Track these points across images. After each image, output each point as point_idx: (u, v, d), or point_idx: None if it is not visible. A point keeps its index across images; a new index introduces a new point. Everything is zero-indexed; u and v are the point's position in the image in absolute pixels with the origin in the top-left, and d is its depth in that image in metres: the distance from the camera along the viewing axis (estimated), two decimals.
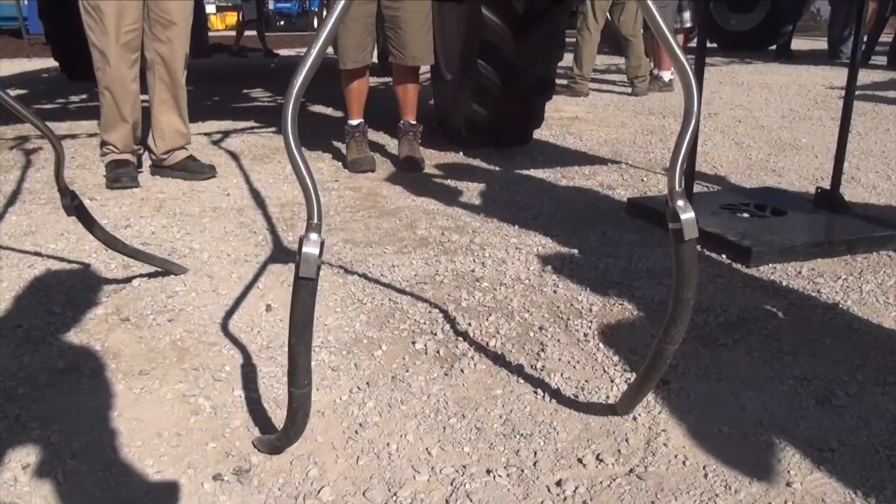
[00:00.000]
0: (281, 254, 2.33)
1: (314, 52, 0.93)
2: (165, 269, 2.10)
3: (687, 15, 6.81)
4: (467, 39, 3.61)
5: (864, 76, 6.89)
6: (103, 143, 3.22)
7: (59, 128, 4.71)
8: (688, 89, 1.01)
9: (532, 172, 3.44)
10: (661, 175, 3.39)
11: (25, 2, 14.62)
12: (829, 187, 2.62)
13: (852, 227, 2.41)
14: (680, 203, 1.05)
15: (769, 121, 4.87)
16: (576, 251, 2.35)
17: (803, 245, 2.25)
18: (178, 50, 3.16)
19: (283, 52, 11.76)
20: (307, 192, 0.98)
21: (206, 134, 4.39)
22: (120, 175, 3.13)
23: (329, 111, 5.40)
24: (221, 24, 20.38)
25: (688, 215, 1.05)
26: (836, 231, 2.43)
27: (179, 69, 3.19)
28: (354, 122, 3.54)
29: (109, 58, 3.01)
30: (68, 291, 2.02)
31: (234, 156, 3.83)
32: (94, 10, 2.96)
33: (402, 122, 3.55)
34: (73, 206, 1.75)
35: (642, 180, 3.31)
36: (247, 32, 12.37)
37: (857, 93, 6.04)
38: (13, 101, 1.58)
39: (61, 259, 2.28)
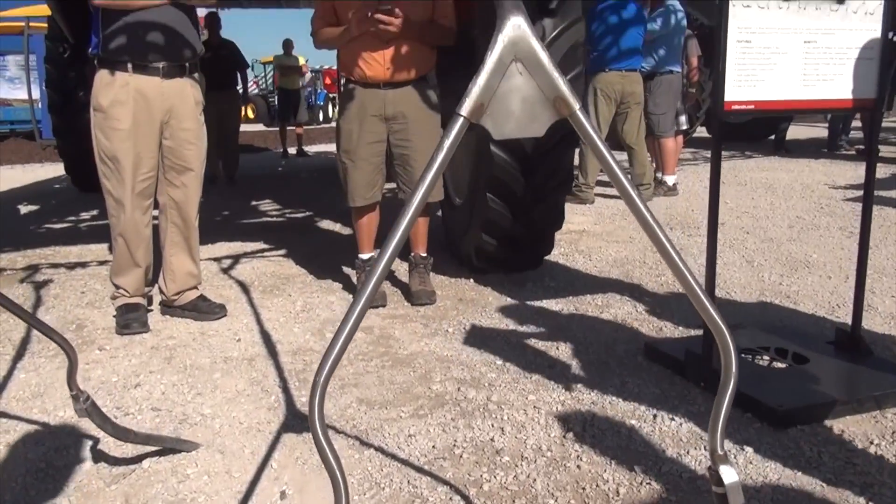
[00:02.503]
0: (294, 420, 2.28)
1: (342, 336, 0.91)
2: (177, 448, 2.04)
3: (683, 118, 6.96)
4: (476, 169, 3.65)
5: (858, 171, 6.96)
6: (115, 286, 3.22)
7: (70, 253, 4.74)
8: (725, 351, 0.98)
9: (544, 304, 3.41)
10: (675, 306, 3.36)
11: (39, 105, 15.03)
12: (848, 321, 2.58)
13: (879, 379, 2.35)
14: (723, 468, 1.01)
15: (777, 232, 4.87)
16: (596, 410, 2.29)
17: (831, 403, 2.19)
18: (193, 195, 3.19)
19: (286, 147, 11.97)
20: (335, 481, 0.94)
21: (215, 259, 4.40)
22: (130, 321, 3.11)
23: (338, 227, 5.44)
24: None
25: (732, 480, 1.00)
26: (863, 384, 2.37)
27: (193, 213, 3.22)
28: (365, 256, 3.54)
29: (125, 206, 3.04)
30: (75, 475, 1.96)
31: (244, 287, 3.82)
32: (111, 159, 3.01)
33: (412, 254, 3.56)
34: (85, 408, 1.72)
35: (657, 312, 3.27)
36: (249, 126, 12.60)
37: (855, 194, 6.09)
38: (20, 308, 1.57)
39: (69, 431, 2.22)
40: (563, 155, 3.49)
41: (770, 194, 6.42)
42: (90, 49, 3.03)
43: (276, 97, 12.39)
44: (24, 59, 13.41)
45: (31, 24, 11.16)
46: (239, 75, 8.45)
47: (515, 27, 0.91)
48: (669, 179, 6.54)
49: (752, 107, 2.34)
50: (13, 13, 13.29)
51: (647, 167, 6.27)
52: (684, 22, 6.43)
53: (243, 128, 18.74)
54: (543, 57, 0.93)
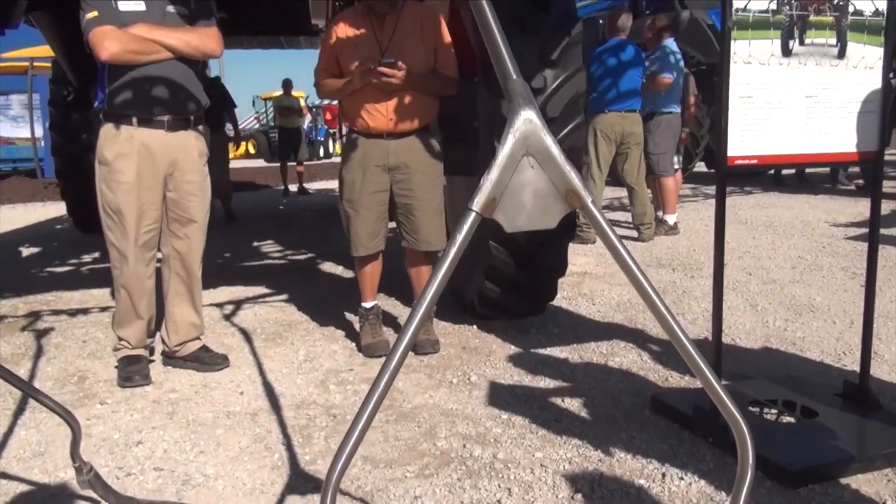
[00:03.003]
0: (298, 481, 2.24)
1: (360, 423, 0.90)
2: None
3: (678, 157, 6.98)
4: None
5: (857, 207, 6.96)
6: (117, 337, 3.20)
7: (72, 298, 4.73)
8: (742, 446, 0.97)
9: (549, 352, 3.39)
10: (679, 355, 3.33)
11: (42, 144, 15.12)
12: (855, 369, 2.56)
13: (890, 436, 2.33)
14: None
15: (780, 273, 4.87)
16: (604, 469, 2.26)
17: (841, 461, 2.17)
18: (196, 246, 3.19)
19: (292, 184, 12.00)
20: None
21: (217, 305, 4.38)
22: (132, 374, 3.09)
23: (339, 270, 5.44)
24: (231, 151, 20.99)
25: None
26: (874, 441, 2.35)
27: (196, 264, 3.21)
28: (368, 304, 3.53)
29: (128, 259, 3.04)
30: None
31: (246, 335, 3.80)
32: (115, 212, 3.01)
33: (415, 302, 3.54)
34: (88, 479, 1.70)
35: (662, 360, 3.25)
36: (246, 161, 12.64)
37: (856, 232, 6.10)
38: (21, 380, 1.56)
39: (70, 494, 2.19)
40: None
41: (771, 232, 6.43)
42: (96, 103, 3.06)
43: (277, 135, 12.45)
44: (28, 98, 13.60)
45: (34, 64, 11.31)
46: (227, 115, 8.46)
47: (527, 121, 0.92)
48: (670, 219, 6.56)
49: (755, 161, 2.35)
50: (17, 54, 13.44)
51: (647, 207, 6.29)
52: (682, 63, 6.49)
53: (244, 164, 18.85)
54: (555, 151, 0.93)
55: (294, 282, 5.03)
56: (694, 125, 9.96)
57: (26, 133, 15.07)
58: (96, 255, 6.27)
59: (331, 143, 24.55)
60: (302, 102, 11.95)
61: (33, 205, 11.60)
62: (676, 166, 7.04)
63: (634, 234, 6.37)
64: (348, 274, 5.15)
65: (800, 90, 2.35)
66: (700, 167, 11.08)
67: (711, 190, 9.98)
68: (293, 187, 11.85)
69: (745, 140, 2.31)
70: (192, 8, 3.07)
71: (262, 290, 4.83)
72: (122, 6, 2.92)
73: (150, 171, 3.01)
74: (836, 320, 3.78)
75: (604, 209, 7.85)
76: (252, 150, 24.61)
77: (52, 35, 6.27)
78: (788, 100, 2.34)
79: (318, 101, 24.31)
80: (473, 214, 0.94)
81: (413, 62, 3.20)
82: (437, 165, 3.40)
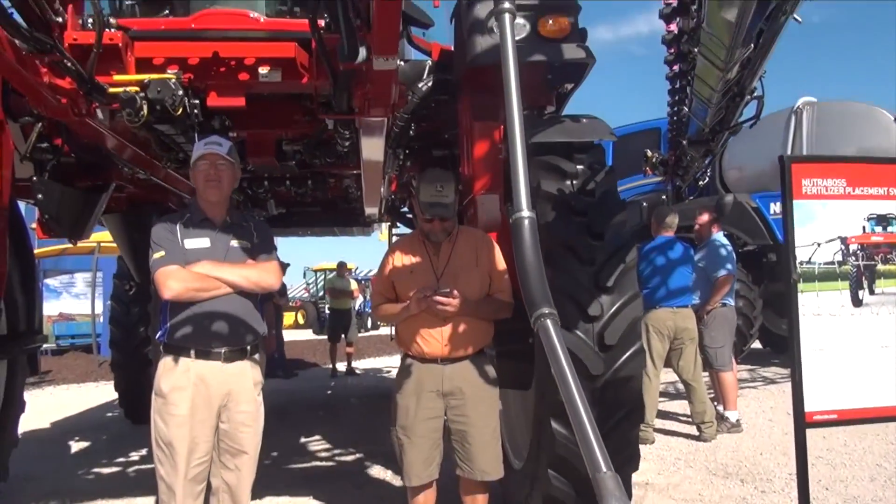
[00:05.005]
0: None
1: None
2: None
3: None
4: (536, 441, 3.50)
5: None
6: None
7: None
8: None
9: None
10: None
11: (101, 320, 15.58)
12: None
13: None
14: None
15: (859, 487, 4.52)
16: None
17: None
18: (246, 478, 3.11)
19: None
20: None
21: None
22: None
23: (389, 476, 5.24)
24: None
25: None
26: None
27: (245, 497, 3.12)
28: None
29: (176, 494, 2.96)
30: None
31: None
32: (167, 445, 2.97)
33: None
34: None
35: None
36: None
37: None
38: None
39: None
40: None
41: (841, 430, 6.07)
42: (157, 335, 3.11)
43: (328, 315, 12.63)
44: (92, 276, 14.19)
45: (101, 245, 11.89)
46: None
47: None
48: (732, 415, 6.27)
49: (834, 416, 2.23)
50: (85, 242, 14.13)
51: (707, 404, 6.04)
52: (734, 255, 6.48)
53: (293, 335, 19.00)
54: None
55: (342, 492, 4.84)
56: (747, 307, 9.84)
57: (86, 309, 15.65)
58: (143, 451, 6.20)
59: None
60: (353, 285, 12.17)
61: (86, 385, 11.75)
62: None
63: (695, 431, 6.08)
64: (396, 481, 4.95)
65: (875, 340, 2.26)
66: (755, 346, 10.80)
67: (769, 372, 9.69)
68: (342, 366, 11.82)
69: (822, 394, 2.21)
70: (255, 242, 3.18)
71: (308, 501, 4.65)
72: (189, 244, 3.04)
73: (204, 403, 3.00)
74: None
75: (661, 401, 7.60)
76: (301, 321, 24.99)
77: (119, 235, 6.60)
78: (864, 351, 2.24)
79: (367, 274, 24.87)
80: None
81: (468, 289, 3.22)
82: (492, 390, 3.33)
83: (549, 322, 1.86)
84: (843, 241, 2.23)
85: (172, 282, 2.91)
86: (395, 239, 9.36)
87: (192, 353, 3.02)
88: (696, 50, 3.19)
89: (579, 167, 3.50)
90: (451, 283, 3.20)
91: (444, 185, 3.20)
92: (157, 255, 2.97)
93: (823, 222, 2.21)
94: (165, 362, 3.04)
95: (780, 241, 9.19)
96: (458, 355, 3.26)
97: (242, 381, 3.09)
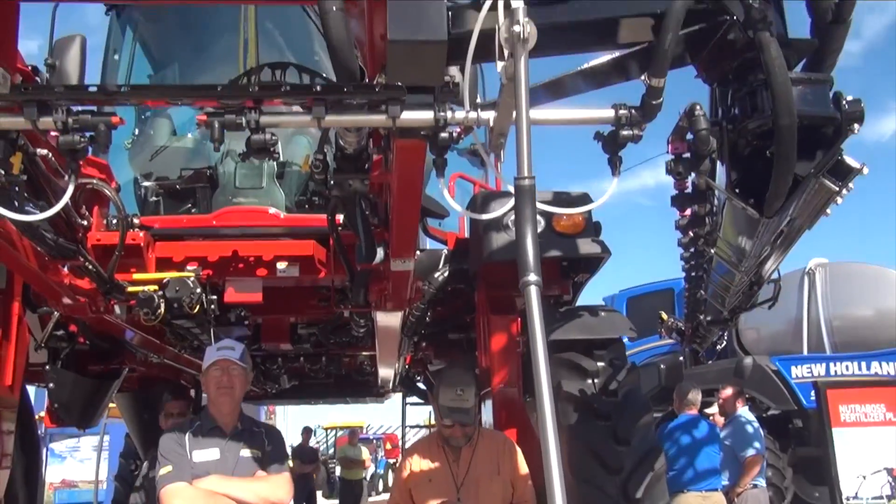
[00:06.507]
0: None
1: None
2: None
3: None
4: None
5: None
6: None
7: None
8: None
9: None
10: None
11: (104, 486, 14.98)
12: None
13: None
14: None
15: None
16: None
17: None
18: None
19: None
20: None
21: None
22: None
23: None
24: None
25: None
26: None
27: None
28: None
29: None
30: None
31: None
32: None
33: None
34: None
35: None
36: None
37: None
38: None
39: None
40: None
41: None
42: None
43: (339, 485, 12.20)
44: (99, 440, 13.82)
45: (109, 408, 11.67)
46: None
47: None
48: None
49: None
50: None
51: None
52: (760, 432, 6.24)
53: None
54: None
55: None
56: (777, 477, 9.38)
57: (90, 475, 15.08)
58: None
59: (390, 474, 23.98)
60: (365, 454, 11.82)
61: None
62: None
63: None
64: None
65: None
66: None
67: None
68: None
69: None
70: (266, 450, 3.07)
71: None
72: (197, 456, 2.94)
73: None
74: None
75: None
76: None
77: (127, 413, 6.49)
78: None
79: (379, 432, 24.28)
80: None
81: (489, 499, 3.06)
82: None
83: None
84: (890, 472, 2.09)
85: (178, 501, 2.78)
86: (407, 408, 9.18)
87: None
88: (712, 251, 3.20)
89: (600, 364, 3.42)
90: (471, 492, 3.05)
91: (465, 388, 3.11)
92: (163, 471, 2.86)
93: (866, 452, 2.08)
94: None
95: (805, 405, 8.97)
96: None
97: None
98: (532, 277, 1.64)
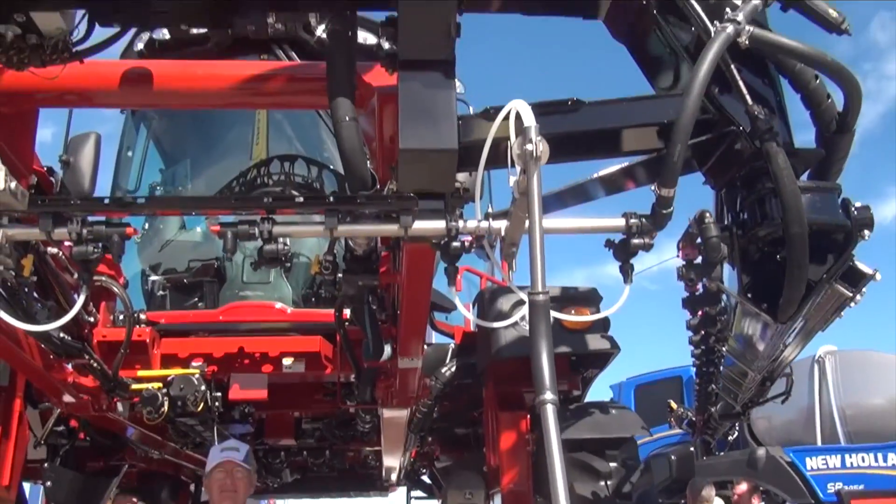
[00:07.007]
0: None
1: None
2: None
3: None
4: None
5: None
6: None
7: None
8: None
9: None
10: None
11: None
12: None
13: None
14: None
15: None
16: None
17: None
18: None
19: None
20: None
21: None
22: None
23: None
24: None
25: None
26: None
27: None
28: None
29: None
30: None
31: None
32: None
33: None
34: None
35: None
36: None
37: None
38: None
39: None
40: None
41: None
42: None
43: None
44: None
45: None
46: None
47: None
48: None
49: None
50: None
51: None
52: None
53: None
54: None
55: None
56: None
57: None
58: None
59: None
60: None
61: None
62: None
63: None
64: None
65: None
66: None
67: None
68: None
69: None
70: None
71: None
72: None
73: None
74: None
75: None
76: None
77: None
78: None
79: None
80: None
81: None
82: None
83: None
84: None
85: None
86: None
87: None
88: (723, 349, 3.17)
89: (612, 465, 3.34)
90: None
91: (475, 492, 3.04)
92: None
93: None
94: None
95: (822, 498, 8.70)
96: None
97: None
98: (549, 396, 1.60)
